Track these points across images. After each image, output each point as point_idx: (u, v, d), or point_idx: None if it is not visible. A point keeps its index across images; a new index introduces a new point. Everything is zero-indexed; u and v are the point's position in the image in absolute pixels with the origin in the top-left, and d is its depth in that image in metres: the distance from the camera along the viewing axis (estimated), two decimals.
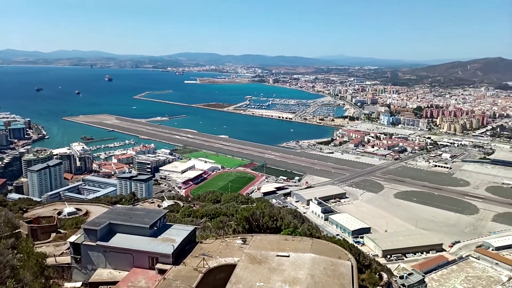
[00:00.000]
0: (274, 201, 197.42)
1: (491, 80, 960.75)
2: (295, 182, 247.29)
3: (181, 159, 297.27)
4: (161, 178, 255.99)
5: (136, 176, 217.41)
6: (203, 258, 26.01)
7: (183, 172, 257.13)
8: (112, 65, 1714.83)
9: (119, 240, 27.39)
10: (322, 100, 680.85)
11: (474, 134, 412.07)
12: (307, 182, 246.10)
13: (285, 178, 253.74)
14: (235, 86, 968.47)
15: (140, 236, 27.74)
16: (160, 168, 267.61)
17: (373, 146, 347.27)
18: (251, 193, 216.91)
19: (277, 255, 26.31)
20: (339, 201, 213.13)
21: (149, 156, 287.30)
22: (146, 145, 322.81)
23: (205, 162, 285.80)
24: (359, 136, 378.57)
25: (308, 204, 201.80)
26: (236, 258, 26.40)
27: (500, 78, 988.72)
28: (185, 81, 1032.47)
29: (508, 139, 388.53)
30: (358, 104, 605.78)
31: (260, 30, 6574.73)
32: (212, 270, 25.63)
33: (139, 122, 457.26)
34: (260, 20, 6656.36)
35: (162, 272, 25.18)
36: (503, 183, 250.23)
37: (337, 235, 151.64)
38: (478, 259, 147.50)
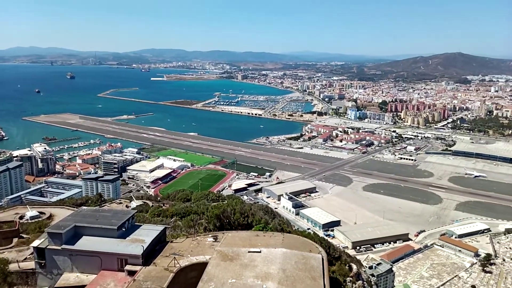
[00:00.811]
0: (245, 197, 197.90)
1: (451, 74, 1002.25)
2: (266, 178, 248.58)
3: (149, 158, 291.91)
4: (128, 178, 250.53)
5: (102, 177, 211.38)
6: (174, 257, 25.64)
7: (151, 171, 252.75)
8: (73, 62, 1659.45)
9: (86, 243, 26.60)
10: (291, 96, 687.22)
11: (436, 127, 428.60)
12: (277, 178, 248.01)
13: (256, 174, 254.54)
14: (203, 82, 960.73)
15: (108, 238, 27.04)
16: (128, 167, 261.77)
17: (341, 141, 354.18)
18: (222, 190, 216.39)
19: (249, 251, 26.30)
20: (310, 195, 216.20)
21: (115, 156, 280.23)
22: (113, 144, 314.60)
23: (174, 160, 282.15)
24: (327, 131, 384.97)
25: (279, 200, 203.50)
26: (208, 256, 26.19)
27: (460, 72, 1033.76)
28: (152, 78, 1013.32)
29: (468, 131, 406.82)
30: (326, 99, 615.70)
31: (228, 25, 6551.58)
32: (183, 269, 25.31)
33: (104, 120, 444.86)
34: (228, 15, 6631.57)
35: (131, 273, 24.63)
36: (466, 174, 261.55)
37: (308, 229, 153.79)
38: (442, 247, 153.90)
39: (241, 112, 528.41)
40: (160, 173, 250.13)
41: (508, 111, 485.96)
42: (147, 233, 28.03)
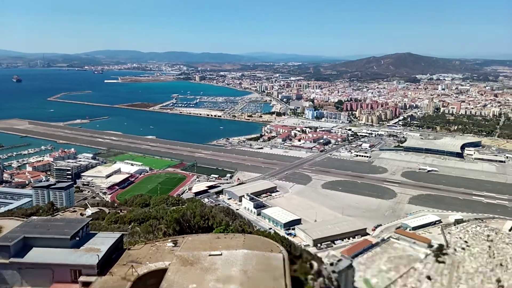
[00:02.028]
0: (206, 200, 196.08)
1: (402, 74, 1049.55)
2: (227, 180, 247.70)
3: (105, 163, 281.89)
4: (83, 184, 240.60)
5: (54, 184, 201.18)
6: (132, 265, 24.86)
7: (107, 176, 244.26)
8: (20, 65, 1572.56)
9: (36, 255, 25.21)
10: (250, 96, 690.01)
11: (388, 124, 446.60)
12: (238, 179, 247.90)
13: (216, 176, 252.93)
14: (160, 84, 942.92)
15: (60, 249, 25.78)
16: (82, 174, 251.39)
17: (299, 140, 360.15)
18: (182, 194, 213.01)
19: (210, 255, 26.02)
20: (271, 195, 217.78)
21: (69, 162, 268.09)
22: (65, 150, 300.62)
23: (132, 165, 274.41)
24: (286, 131, 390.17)
25: (240, 201, 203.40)
26: (167, 262, 25.62)
27: (410, 71, 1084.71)
28: (106, 81, 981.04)
29: (418, 128, 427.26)
30: (284, 99, 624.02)
31: (184, 26, 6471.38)
32: (141, 277, 24.59)
33: (56, 126, 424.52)
34: (183, 16, 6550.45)
35: (86, 285, 23.62)
36: (419, 169, 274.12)
37: (270, 228, 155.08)
38: (398, 240, 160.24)
39: (200, 114, 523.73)
40: (117, 178, 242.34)
41: (453, 108, 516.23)
42: (102, 241, 27.01)
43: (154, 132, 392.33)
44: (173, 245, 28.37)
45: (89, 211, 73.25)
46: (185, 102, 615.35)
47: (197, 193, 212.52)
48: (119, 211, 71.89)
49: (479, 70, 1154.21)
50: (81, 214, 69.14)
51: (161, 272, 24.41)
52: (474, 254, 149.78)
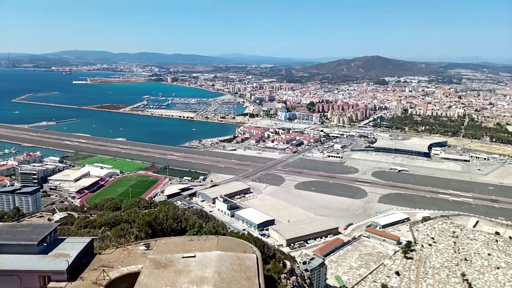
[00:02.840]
0: (179, 202, 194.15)
1: (371, 76, 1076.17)
2: (200, 182, 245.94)
3: (73, 166, 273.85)
4: (50, 189, 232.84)
5: (19, 189, 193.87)
6: (103, 270, 24.48)
7: (76, 180, 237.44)
8: None
9: (2, 262, 24.42)
10: (223, 98, 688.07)
11: (359, 125, 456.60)
12: (212, 181, 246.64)
13: (189, 178, 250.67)
14: (131, 85, 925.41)
15: (27, 255, 25.02)
16: (49, 178, 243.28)
17: (273, 141, 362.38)
18: (155, 196, 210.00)
19: (183, 257, 25.98)
20: (244, 196, 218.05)
21: (35, 166, 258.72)
22: (31, 153, 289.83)
23: (102, 168, 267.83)
24: (259, 132, 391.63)
25: (214, 203, 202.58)
26: (140, 265, 25.39)
27: (378, 74, 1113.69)
28: (74, 82, 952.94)
29: (387, 129, 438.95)
30: (257, 101, 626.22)
31: (156, 27, 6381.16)
32: (113, 281, 24.27)
33: (20, 128, 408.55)
34: (155, 16, 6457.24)
35: None
36: (390, 168, 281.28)
37: (244, 230, 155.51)
38: (369, 238, 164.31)
39: (172, 116, 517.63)
40: (86, 182, 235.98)
41: (420, 109, 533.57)
42: (72, 247, 26.43)
43: (125, 134, 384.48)
44: (146, 248, 28.12)
45: (57, 216, 71.13)
46: (156, 104, 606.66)
47: (169, 196, 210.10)
48: (89, 216, 70.21)
49: (443, 73, 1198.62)
50: (49, 219, 67.06)
51: (134, 276, 24.17)
52: (440, 249, 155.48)
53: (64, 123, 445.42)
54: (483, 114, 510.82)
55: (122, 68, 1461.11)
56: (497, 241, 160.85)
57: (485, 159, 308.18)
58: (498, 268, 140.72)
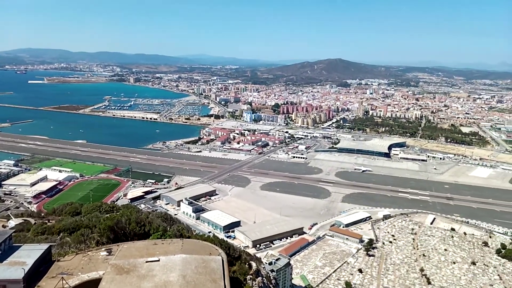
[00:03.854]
0: (142, 206, 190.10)
1: (333, 78, 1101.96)
2: (164, 184, 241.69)
3: (29, 170, 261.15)
4: (5, 194, 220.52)
5: None
6: (62, 277, 23.56)
7: (33, 184, 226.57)
8: None
9: None
10: (187, 99, 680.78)
11: (323, 126, 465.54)
12: (176, 183, 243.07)
13: (153, 181, 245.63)
14: (91, 86, 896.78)
15: None
16: (3, 182, 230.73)
17: (238, 143, 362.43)
18: (117, 200, 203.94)
19: (147, 261, 25.49)
20: (210, 198, 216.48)
21: None
22: None
23: (60, 171, 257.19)
24: (225, 134, 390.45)
25: (179, 205, 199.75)
26: (101, 272, 24.66)
27: (341, 76, 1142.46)
28: (30, 81, 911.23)
29: (350, 130, 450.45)
30: (222, 102, 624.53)
31: (117, 25, 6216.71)
32: None
33: None
34: (116, 15, 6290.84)
35: None
36: (355, 169, 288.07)
37: (209, 232, 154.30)
38: (332, 237, 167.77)
39: (135, 117, 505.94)
40: (44, 186, 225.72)
41: (381, 111, 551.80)
42: (28, 254, 25.26)
43: (85, 136, 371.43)
44: (107, 253, 27.34)
45: (12, 222, 67.67)
46: (118, 105, 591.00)
47: (132, 199, 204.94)
48: (47, 221, 67.29)
49: (402, 76, 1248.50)
50: (3, 226, 63.67)
51: (95, 283, 23.44)
52: (400, 246, 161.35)
53: (19, 125, 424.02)
54: (439, 116, 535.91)
55: (81, 68, 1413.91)
56: (452, 237, 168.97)
57: (441, 158, 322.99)
58: (454, 262, 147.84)
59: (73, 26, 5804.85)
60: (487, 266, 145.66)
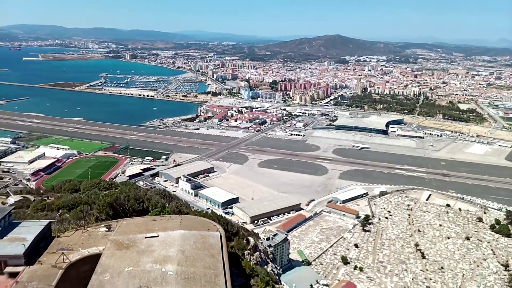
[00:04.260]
0: (141, 183, 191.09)
1: (332, 55, 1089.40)
2: (162, 162, 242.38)
3: (27, 147, 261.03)
4: (3, 171, 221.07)
5: None
6: (62, 253, 23.89)
7: (31, 162, 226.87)
8: None
9: None
10: (184, 76, 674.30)
11: (321, 104, 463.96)
12: (174, 161, 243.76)
13: (151, 158, 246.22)
14: (86, 62, 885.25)
15: None
16: (1, 160, 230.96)
17: (236, 120, 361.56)
18: (115, 177, 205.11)
19: (146, 237, 25.82)
20: (208, 175, 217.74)
21: None
22: None
23: (58, 149, 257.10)
24: (222, 111, 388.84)
25: (177, 182, 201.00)
26: (101, 247, 25.01)
27: (339, 53, 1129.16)
28: (24, 58, 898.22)
29: (348, 107, 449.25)
30: (220, 79, 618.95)
31: (112, 0, 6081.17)
32: (74, 263, 23.79)
33: None
34: None
35: (13, 275, 22.33)
36: (353, 146, 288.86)
37: (208, 208, 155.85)
38: (329, 213, 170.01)
39: (132, 94, 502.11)
40: (42, 163, 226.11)
41: (379, 88, 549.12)
42: (28, 230, 25.52)
43: (81, 113, 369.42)
44: (107, 230, 27.65)
45: (12, 199, 68.10)
46: (115, 82, 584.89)
47: (131, 177, 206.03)
48: (46, 198, 67.70)
49: (400, 53, 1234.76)
50: (3, 203, 64.09)
51: (95, 258, 23.81)
52: (396, 222, 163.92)
53: (15, 102, 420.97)
54: (437, 93, 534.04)
55: (76, 44, 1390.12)
56: (447, 212, 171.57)
57: (438, 135, 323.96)
58: (448, 238, 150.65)
59: (67, 1, 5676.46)
60: (481, 241, 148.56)
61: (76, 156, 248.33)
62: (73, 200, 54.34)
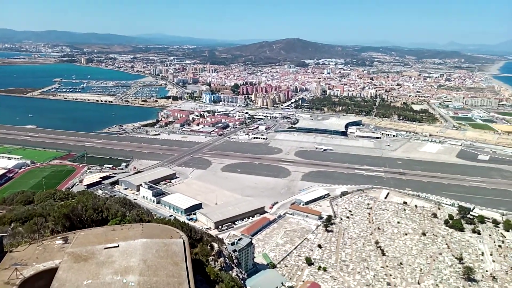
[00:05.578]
0: (100, 192, 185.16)
1: (292, 58, 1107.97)
2: (122, 169, 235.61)
3: None
4: None
5: None
6: (16, 268, 22.72)
7: None
8: None
9: None
10: (143, 80, 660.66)
11: (282, 107, 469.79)
12: (135, 168, 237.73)
13: (110, 166, 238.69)
14: (39, 67, 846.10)
15: None
16: None
17: (198, 125, 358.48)
18: (72, 187, 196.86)
19: (105, 248, 25.07)
20: (170, 182, 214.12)
21: None
22: None
23: (9, 158, 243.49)
24: (184, 116, 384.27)
25: (138, 190, 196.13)
26: (57, 261, 24.00)
27: (299, 56, 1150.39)
28: None
29: (308, 109, 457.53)
30: (180, 83, 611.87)
31: (65, 1, 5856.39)
32: (28, 279, 22.68)
33: None
34: None
35: None
36: (316, 148, 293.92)
37: (171, 216, 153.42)
38: (293, 215, 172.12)
39: (89, 100, 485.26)
40: None
41: (338, 90, 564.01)
42: None
43: (34, 121, 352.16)
44: (64, 242, 26.59)
45: None
46: (70, 87, 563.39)
47: (89, 185, 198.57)
48: None
49: (357, 56, 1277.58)
50: None
51: (51, 272, 22.82)
52: (357, 221, 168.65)
53: None
54: (392, 95, 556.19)
55: (27, 48, 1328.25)
56: (405, 210, 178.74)
57: (394, 136, 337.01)
58: (406, 234, 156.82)
59: (16, 2, 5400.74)
60: (436, 236, 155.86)
61: (29, 165, 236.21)
62: (26, 212, 51.64)
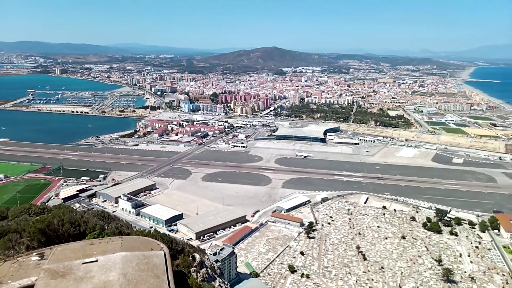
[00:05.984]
0: (77, 205, 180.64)
1: (270, 66, 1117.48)
2: (100, 181, 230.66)
3: None
4: None
5: None
6: None
7: None
8: None
9: None
10: (120, 90, 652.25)
11: (261, 115, 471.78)
12: (113, 179, 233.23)
13: (87, 178, 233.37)
14: (11, 78, 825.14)
15: None
16: None
17: (177, 134, 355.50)
18: (48, 201, 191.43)
19: (83, 263, 24.38)
20: (150, 193, 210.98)
21: None
22: None
23: None
24: (162, 125, 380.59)
25: (116, 202, 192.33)
26: (34, 278, 23.20)
27: (277, 64, 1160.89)
28: None
29: (287, 117, 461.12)
30: (158, 93, 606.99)
31: (38, 11, 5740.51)
32: None
33: None
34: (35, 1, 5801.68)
35: None
36: (296, 155, 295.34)
37: (151, 227, 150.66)
38: (275, 223, 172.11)
39: (64, 111, 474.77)
40: None
41: (316, 98, 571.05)
42: None
43: (7, 133, 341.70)
44: (40, 258, 25.74)
45: None
46: (44, 98, 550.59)
47: (65, 199, 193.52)
48: None
49: (334, 63, 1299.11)
50: None
51: None
52: (338, 227, 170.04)
53: None
54: (368, 101, 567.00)
55: None
56: (384, 214, 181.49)
57: (371, 141, 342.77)
58: (386, 238, 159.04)
59: None
60: (415, 239, 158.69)
61: (2, 180, 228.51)
62: (0, 228, 49.89)
